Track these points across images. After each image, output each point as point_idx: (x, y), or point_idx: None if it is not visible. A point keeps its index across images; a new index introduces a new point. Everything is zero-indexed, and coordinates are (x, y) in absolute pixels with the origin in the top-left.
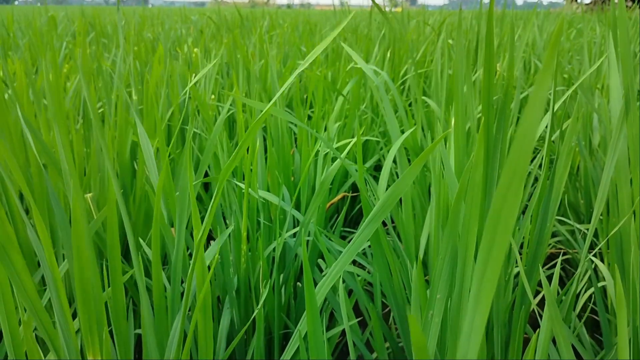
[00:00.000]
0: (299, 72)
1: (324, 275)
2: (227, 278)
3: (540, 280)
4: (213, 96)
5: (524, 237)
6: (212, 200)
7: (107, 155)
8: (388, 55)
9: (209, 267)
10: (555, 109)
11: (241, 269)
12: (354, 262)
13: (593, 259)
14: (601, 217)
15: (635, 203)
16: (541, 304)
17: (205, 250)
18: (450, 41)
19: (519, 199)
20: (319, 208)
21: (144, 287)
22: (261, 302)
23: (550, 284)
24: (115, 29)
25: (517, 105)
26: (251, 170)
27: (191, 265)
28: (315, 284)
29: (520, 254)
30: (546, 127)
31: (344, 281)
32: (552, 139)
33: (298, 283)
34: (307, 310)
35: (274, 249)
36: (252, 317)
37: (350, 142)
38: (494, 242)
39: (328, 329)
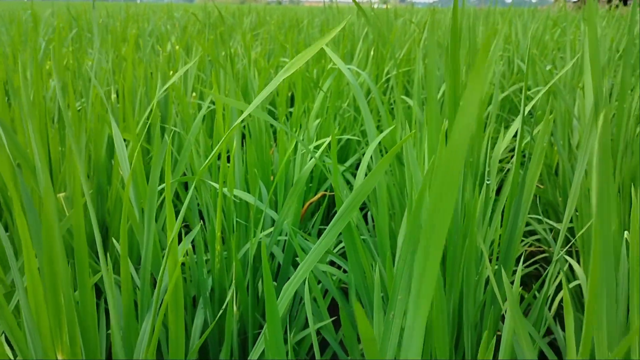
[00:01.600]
0: (283, 71)
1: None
2: (201, 278)
3: (514, 280)
4: (194, 94)
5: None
6: (186, 200)
7: (78, 153)
8: (372, 53)
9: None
10: (528, 110)
11: (215, 269)
12: (333, 263)
13: (567, 257)
14: (577, 213)
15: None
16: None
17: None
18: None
19: (452, 202)
20: (294, 207)
21: (112, 285)
22: (227, 301)
23: (520, 283)
24: (99, 25)
25: (495, 105)
26: (228, 167)
27: (163, 262)
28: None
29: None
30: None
31: (319, 282)
32: (532, 137)
33: (274, 282)
34: (268, 317)
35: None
36: (218, 316)
37: (329, 140)
38: (430, 245)
39: (305, 327)
